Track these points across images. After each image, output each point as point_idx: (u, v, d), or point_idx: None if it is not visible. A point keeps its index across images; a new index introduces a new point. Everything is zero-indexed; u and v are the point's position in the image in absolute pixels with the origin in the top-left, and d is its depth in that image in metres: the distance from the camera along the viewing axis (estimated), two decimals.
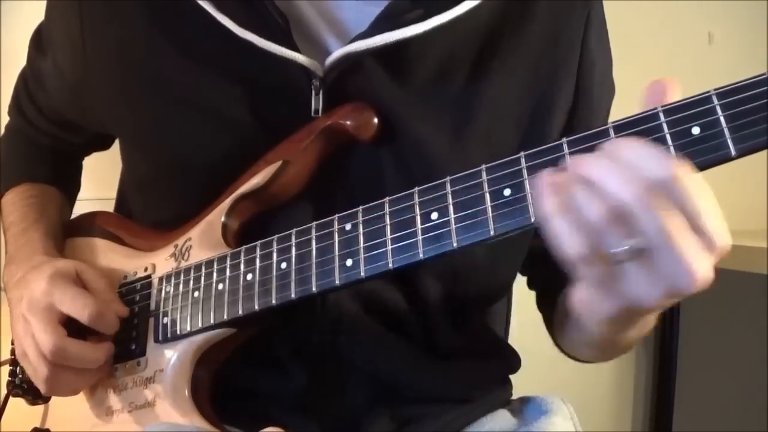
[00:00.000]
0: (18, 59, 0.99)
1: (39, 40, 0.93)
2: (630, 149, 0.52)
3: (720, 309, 1.76)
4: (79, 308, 0.77)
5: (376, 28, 0.74)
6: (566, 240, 0.53)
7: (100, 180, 1.08)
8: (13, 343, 0.84)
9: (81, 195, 1.05)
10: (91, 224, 0.94)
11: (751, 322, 1.74)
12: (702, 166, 0.53)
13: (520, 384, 0.93)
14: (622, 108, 0.87)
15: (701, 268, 0.51)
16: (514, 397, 0.92)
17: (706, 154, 0.53)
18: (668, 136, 0.54)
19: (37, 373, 0.79)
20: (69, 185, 1.03)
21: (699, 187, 0.51)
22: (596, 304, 0.57)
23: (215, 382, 0.78)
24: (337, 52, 0.74)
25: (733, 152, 0.52)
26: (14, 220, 0.93)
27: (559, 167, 0.57)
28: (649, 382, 1.79)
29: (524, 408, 0.88)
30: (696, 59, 1.78)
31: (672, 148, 0.54)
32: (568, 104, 0.81)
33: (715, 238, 0.52)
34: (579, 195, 0.52)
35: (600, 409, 1.76)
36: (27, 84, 0.98)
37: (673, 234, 0.51)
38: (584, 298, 0.58)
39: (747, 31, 1.82)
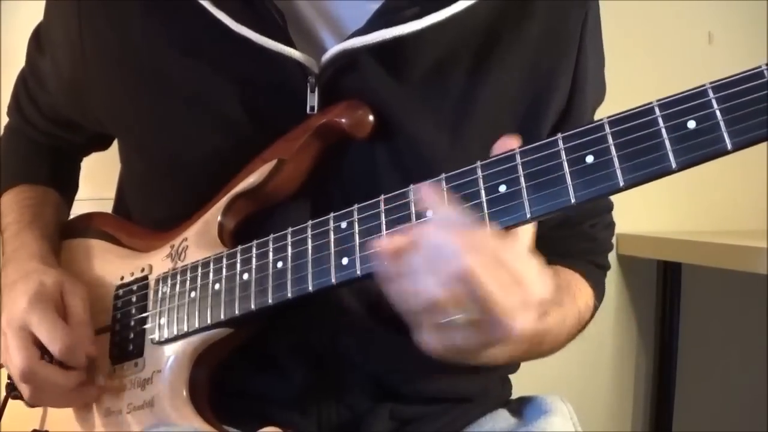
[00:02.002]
0: (18, 59, 0.99)
1: (38, 40, 0.93)
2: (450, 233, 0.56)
3: (720, 309, 1.76)
4: (51, 340, 0.77)
5: (372, 25, 0.74)
6: (397, 301, 0.60)
7: (98, 180, 1.08)
8: None
9: (80, 195, 1.04)
10: (87, 225, 0.94)
11: (751, 322, 1.73)
12: (698, 160, 0.53)
13: (520, 384, 0.93)
14: (622, 108, 0.87)
15: (520, 321, 0.57)
16: (514, 396, 0.92)
17: (702, 148, 0.52)
18: (663, 130, 0.54)
19: (20, 386, 0.80)
20: (67, 186, 1.03)
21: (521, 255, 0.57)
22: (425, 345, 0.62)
23: (213, 383, 0.78)
24: (333, 49, 0.74)
25: (729, 146, 0.52)
26: (11, 221, 0.93)
27: (405, 228, 0.62)
28: (649, 382, 1.78)
29: (524, 408, 0.87)
30: (696, 59, 1.77)
31: (667, 142, 0.53)
32: (562, 104, 0.81)
33: (534, 296, 0.57)
34: (417, 270, 0.57)
35: (600, 409, 1.75)
36: (26, 83, 0.98)
37: (495, 304, 0.55)
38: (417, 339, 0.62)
39: (747, 31, 1.81)
